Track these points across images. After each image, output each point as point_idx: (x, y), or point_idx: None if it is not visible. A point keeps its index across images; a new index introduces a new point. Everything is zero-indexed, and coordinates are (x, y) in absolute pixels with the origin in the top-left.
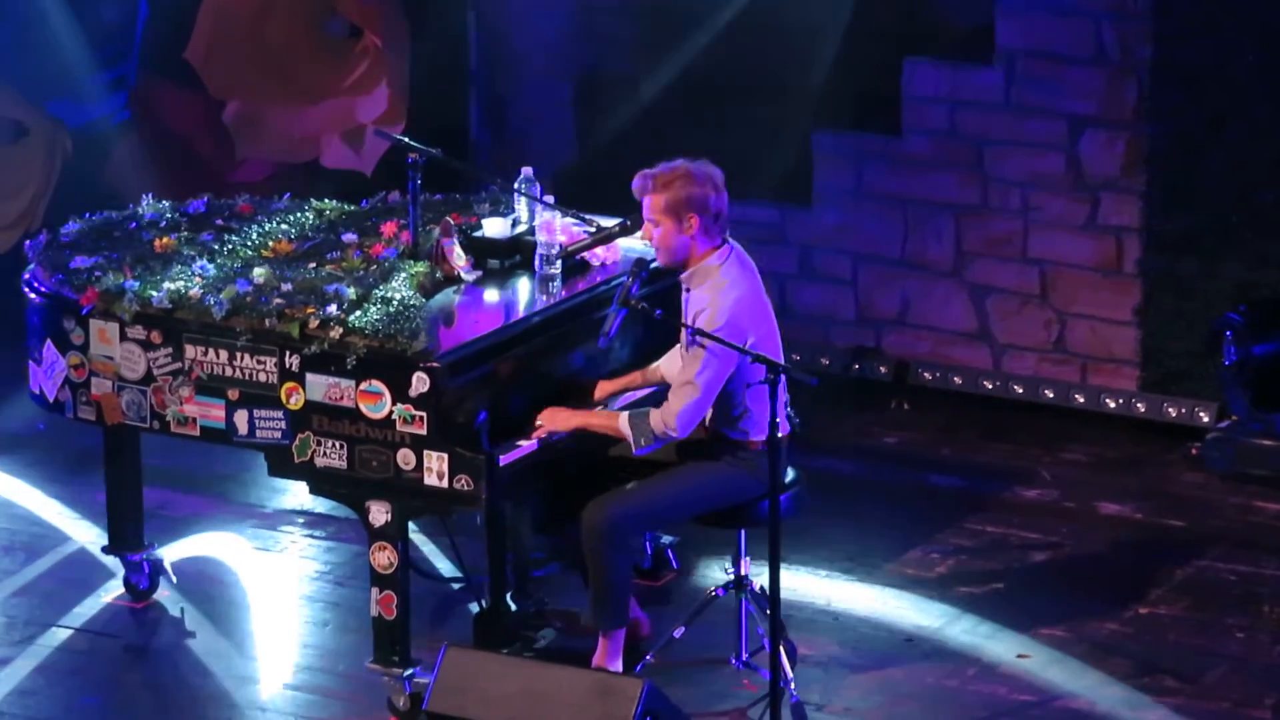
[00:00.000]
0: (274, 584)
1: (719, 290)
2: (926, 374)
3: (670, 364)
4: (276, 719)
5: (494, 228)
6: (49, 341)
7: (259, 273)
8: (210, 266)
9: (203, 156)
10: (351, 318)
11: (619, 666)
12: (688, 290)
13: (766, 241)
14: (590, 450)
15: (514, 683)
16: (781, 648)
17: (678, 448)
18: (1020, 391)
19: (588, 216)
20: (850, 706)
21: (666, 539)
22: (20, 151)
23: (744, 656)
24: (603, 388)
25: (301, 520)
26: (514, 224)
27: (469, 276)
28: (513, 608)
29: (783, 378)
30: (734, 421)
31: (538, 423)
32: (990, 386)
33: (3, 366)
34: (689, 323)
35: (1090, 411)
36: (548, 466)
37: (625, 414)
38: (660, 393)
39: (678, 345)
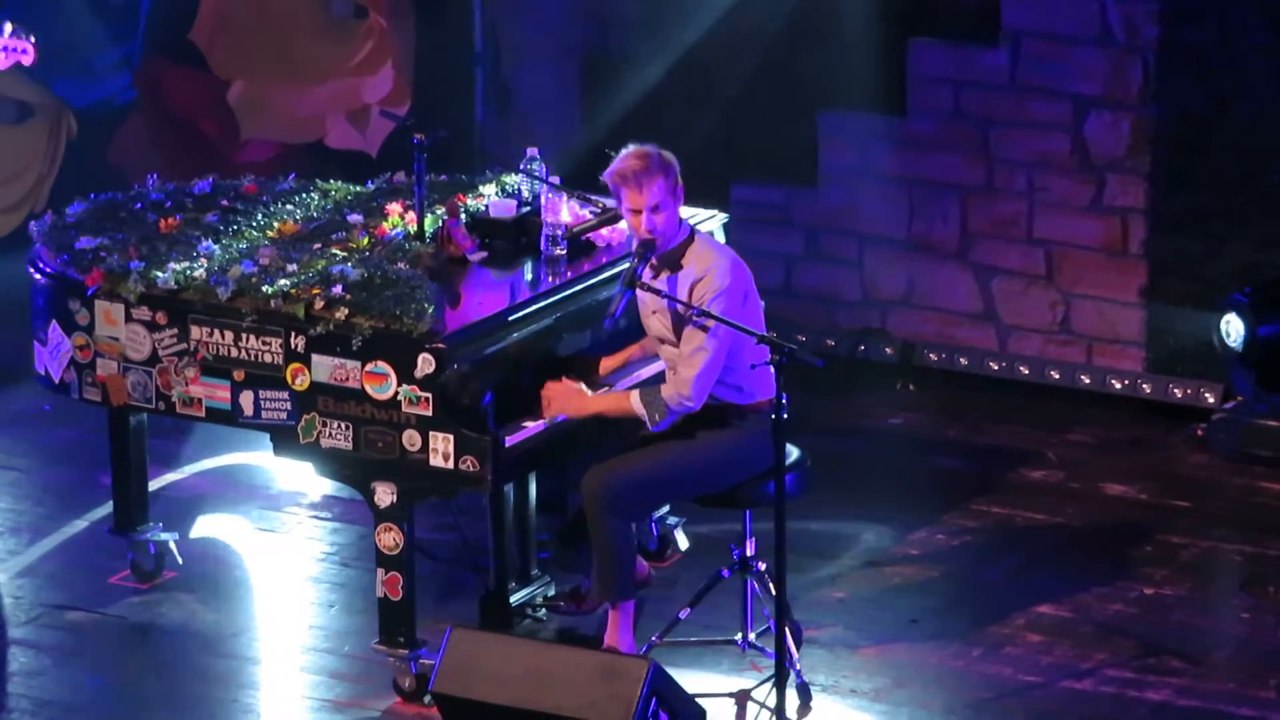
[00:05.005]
0: (279, 565)
1: (711, 257)
2: (932, 355)
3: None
4: (282, 700)
5: (499, 209)
6: (54, 322)
7: (264, 253)
8: (215, 247)
9: (208, 137)
10: (357, 299)
11: (631, 639)
12: (668, 270)
13: (772, 222)
14: (598, 430)
15: (519, 664)
16: (787, 629)
17: (684, 418)
18: (1026, 373)
19: (593, 197)
20: (855, 687)
21: (672, 520)
22: (25, 132)
23: (749, 637)
24: (605, 364)
25: (307, 502)
26: (519, 205)
27: (474, 257)
28: (518, 589)
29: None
30: (738, 389)
31: (546, 398)
32: (996, 368)
33: (8, 347)
34: (684, 300)
35: (1096, 393)
36: (553, 446)
37: (636, 392)
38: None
39: (658, 323)
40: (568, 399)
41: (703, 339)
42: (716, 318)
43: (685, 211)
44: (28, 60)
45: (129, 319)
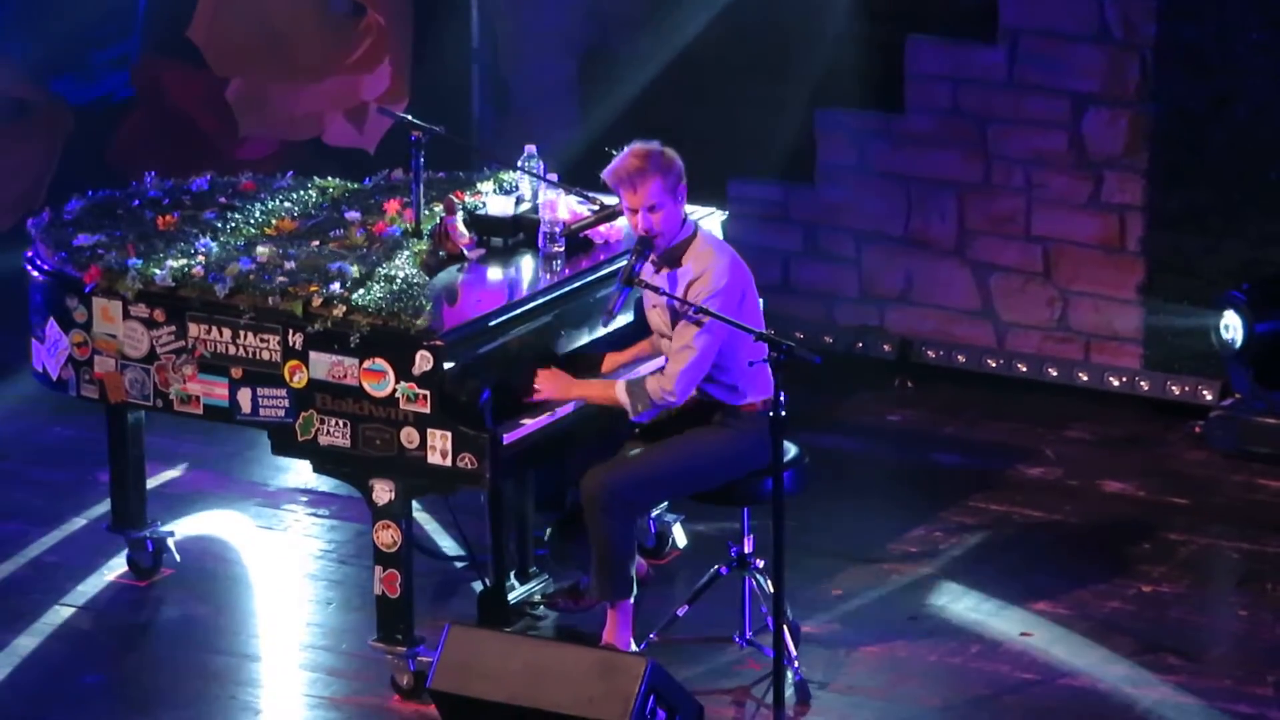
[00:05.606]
0: (277, 562)
1: (709, 257)
2: (930, 352)
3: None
4: (280, 697)
5: (497, 206)
6: (52, 320)
7: (262, 251)
8: (213, 244)
9: (206, 134)
10: (355, 296)
11: (629, 638)
12: (667, 267)
13: (770, 219)
14: (596, 428)
15: (517, 661)
16: (785, 626)
17: (678, 416)
18: (1024, 370)
19: (591, 194)
20: (853, 684)
21: (670, 517)
22: (23, 129)
23: (747, 635)
24: (611, 359)
25: (305, 499)
26: (517, 202)
27: (472, 254)
28: (516, 586)
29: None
30: (731, 388)
31: (535, 385)
32: (994, 365)
33: (6, 344)
34: (680, 296)
35: (1093, 390)
36: (551, 443)
37: (621, 382)
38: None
39: (657, 318)
40: (554, 383)
41: (691, 336)
42: (714, 314)
43: (685, 208)
44: None
45: (127, 316)
